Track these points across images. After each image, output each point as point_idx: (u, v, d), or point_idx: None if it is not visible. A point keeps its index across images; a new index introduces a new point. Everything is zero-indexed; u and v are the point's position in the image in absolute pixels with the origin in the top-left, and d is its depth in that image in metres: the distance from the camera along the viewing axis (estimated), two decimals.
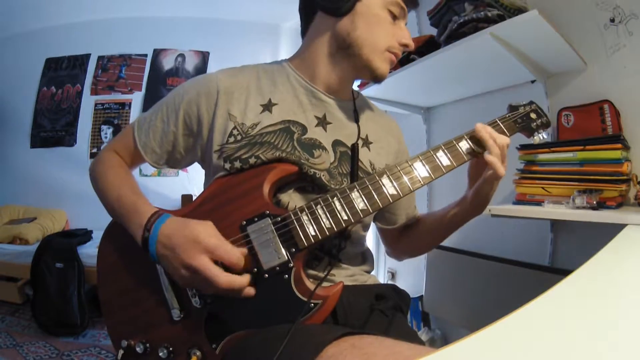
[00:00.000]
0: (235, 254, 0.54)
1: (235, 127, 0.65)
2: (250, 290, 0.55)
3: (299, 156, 0.64)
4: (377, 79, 0.69)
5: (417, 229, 0.82)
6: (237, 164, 0.63)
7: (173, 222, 0.57)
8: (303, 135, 0.66)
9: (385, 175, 0.60)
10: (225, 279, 0.52)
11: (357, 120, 0.73)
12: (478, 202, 0.69)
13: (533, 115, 0.73)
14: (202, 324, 0.57)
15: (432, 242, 0.83)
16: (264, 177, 0.60)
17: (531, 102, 0.75)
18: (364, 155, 0.71)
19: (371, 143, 0.74)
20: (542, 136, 0.74)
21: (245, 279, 0.54)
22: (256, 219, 0.58)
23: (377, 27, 0.66)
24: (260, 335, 0.53)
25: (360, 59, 0.66)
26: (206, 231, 0.55)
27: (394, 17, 0.67)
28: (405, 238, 0.84)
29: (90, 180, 0.70)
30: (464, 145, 0.65)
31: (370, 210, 0.58)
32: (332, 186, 0.65)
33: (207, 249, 0.53)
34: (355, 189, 0.59)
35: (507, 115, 0.71)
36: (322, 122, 0.70)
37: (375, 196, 0.58)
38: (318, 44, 0.69)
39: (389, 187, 0.59)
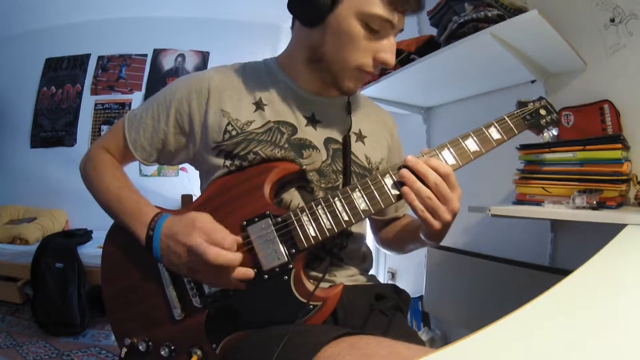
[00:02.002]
0: (229, 238, 0.54)
1: (229, 123, 0.65)
2: (249, 272, 0.55)
3: (293, 156, 0.64)
4: (344, 94, 0.67)
5: (392, 229, 0.81)
6: (237, 161, 0.63)
7: (173, 217, 0.58)
8: (292, 136, 0.66)
9: (388, 175, 0.58)
10: (213, 250, 0.51)
11: (349, 114, 0.72)
12: (426, 242, 0.64)
13: (543, 112, 0.70)
14: (202, 323, 0.57)
15: (398, 248, 0.80)
16: (265, 177, 0.60)
17: (541, 98, 0.72)
18: (359, 149, 0.71)
19: (365, 137, 0.74)
20: (552, 133, 0.70)
21: (236, 256, 0.53)
22: (256, 219, 0.58)
23: (348, 44, 0.59)
24: (259, 336, 0.53)
25: (329, 74, 0.63)
26: (202, 217, 0.56)
27: (373, 31, 0.58)
28: (386, 230, 0.83)
29: (82, 178, 0.70)
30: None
31: (372, 211, 0.57)
32: (323, 185, 0.65)
33: (203, 231, 0.54)
34: (357, 189, 0.57)
35: (516, 112, 0.67)
36: (312, 121, 0.69)
37: (377, 196, 0.57)
38: (297, 49, 0.68)
39: (391, 187, 0.57)
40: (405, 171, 0.55)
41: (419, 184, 0.54)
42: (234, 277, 0.54)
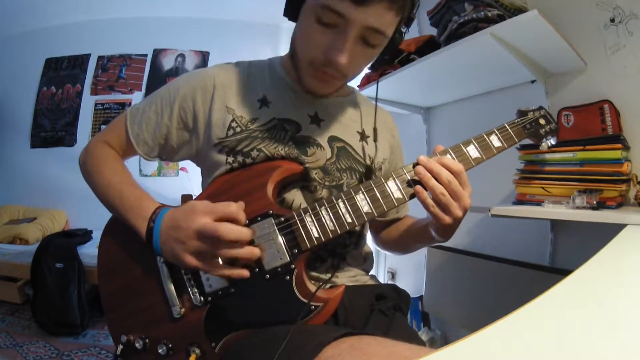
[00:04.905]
0: (232, 205, 0.54)
1: (234, 120, 0.65)
2: (254, 250, 0.54)
3: (296, 153, 0.64)
4: (310, 94, 0.67)
5: (395, 230, 0.81)
6: (240, 158, 0.63)
7: (174, 209, 0.58)
8: (297, 133, 0.66)
9: (391, 178, 0.59)
10: (224, 225, 0.51)
11: (352, 111, 0.73)
12: (436, 238, 0.65)
13: (542, 121, 0.72)
14: (202, 322, 0.57)
15: (402, 249, 0.80)
16: (269, 176, 0.60)
17: (540, 108, 0.74)
18: (361, 149, 0.72)
19: (368, 137, 0.74)
20: (550, 142, 0.73)
21: (246, 230, 0.53)
22: (259, 219, 0.58)
23: (303, 38, 0.59)
24: (259, 335, 0.53)
25: (298, 70, 0.64)
26: (201, 202, 0.55)
27: (328, 25, 0.54)
28: (387, 231, 0.83)
29: (82, 172, 0.70)
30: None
31: (375, 214, 0.57)
32: (327, 183, 0.65)
33: (205, 210, 0.53)
34: (360, 192, 0.58)
35: (516, 121, 0.69)
36: (315, 119, 0.69)
37: (381, 199, 0.57)
38: (291, 46, 0.68)
39: (394, 191, 0.58)
40: (420, 168, 0.56)
41: (433, 181, 0.55)
42: (240, 255, 0.53)
